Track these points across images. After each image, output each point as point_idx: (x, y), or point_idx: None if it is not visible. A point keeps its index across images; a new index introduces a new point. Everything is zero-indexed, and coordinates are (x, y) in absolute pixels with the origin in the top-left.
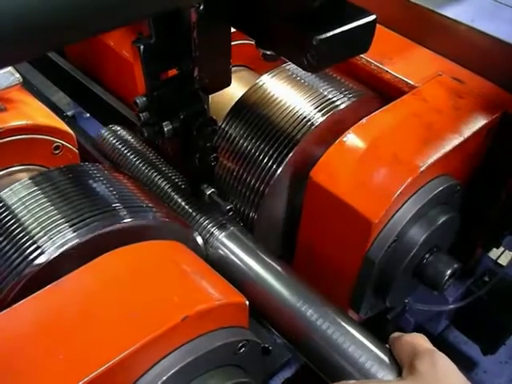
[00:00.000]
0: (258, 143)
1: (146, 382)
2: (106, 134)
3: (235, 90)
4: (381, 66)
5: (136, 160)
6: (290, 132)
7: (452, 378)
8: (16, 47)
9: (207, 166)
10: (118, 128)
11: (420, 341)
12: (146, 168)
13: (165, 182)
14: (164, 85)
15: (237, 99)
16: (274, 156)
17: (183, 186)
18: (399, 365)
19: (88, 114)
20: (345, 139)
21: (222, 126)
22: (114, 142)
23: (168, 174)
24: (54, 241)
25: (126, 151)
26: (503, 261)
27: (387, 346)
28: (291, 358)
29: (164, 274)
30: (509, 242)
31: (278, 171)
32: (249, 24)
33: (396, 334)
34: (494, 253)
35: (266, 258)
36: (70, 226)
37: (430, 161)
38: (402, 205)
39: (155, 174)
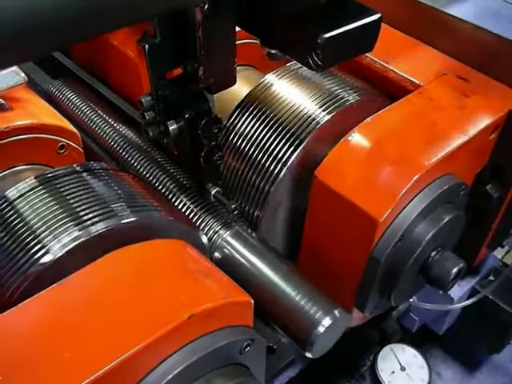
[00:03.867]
0: (262, 142)
1: (152, 380)
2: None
3: (240, 89)
4: (386, 64)
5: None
6: (295, 131)
7: None
8: (20, 47)
9: (212, 165)
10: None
11: None
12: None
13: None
14: (169, 84)
15: (241, 98)
16: (279, 155)
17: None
18: None
19: None
20: (350, 138)
21: (227, 125)
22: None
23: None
24: (59, 240)
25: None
26: (508, 260)
27: None
28: (296, 357)
29: (169, 273)
30: None
31: (283, 170)
32: (253, 23)
33: None
34: (499, 252)
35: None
36: (75, 226)
37: (436, 159)
38: (408, 203)
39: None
